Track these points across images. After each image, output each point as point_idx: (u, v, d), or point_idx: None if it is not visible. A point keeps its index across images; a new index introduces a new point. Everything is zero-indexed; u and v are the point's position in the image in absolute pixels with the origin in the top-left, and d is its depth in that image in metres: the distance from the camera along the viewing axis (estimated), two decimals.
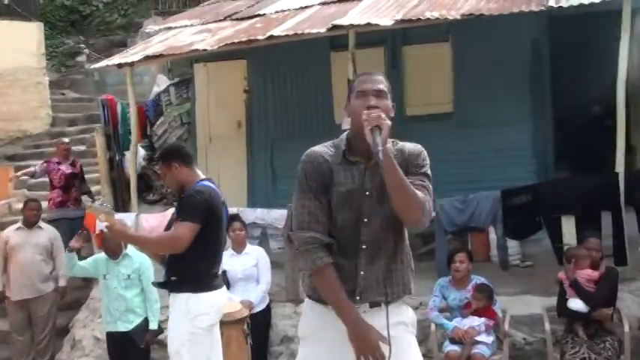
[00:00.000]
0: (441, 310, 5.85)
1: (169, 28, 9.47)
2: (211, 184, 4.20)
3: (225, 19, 9.11)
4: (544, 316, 5.77)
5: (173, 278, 4.11)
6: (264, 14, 8.80)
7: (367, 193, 2.71)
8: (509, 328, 5.71)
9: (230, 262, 6.33)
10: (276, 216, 6.98)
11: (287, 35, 7.23)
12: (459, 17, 6.59)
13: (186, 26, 9.29)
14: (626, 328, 5.43)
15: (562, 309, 5.61)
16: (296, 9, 8.60)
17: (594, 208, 6.20)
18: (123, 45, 15.72)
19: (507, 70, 8.06)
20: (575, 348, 5.30)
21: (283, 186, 9.26)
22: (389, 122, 2.64)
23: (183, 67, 14.16)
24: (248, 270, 6.34)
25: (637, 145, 7.75)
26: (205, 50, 7.52)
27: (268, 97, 9.42)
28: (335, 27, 7.05)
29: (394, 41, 8.71)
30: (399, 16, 6.97)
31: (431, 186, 2.73)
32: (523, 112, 8.06)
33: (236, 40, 7.44)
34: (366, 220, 2.72)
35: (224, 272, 6.34)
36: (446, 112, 8.50)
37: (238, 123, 9.65)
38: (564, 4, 6.34)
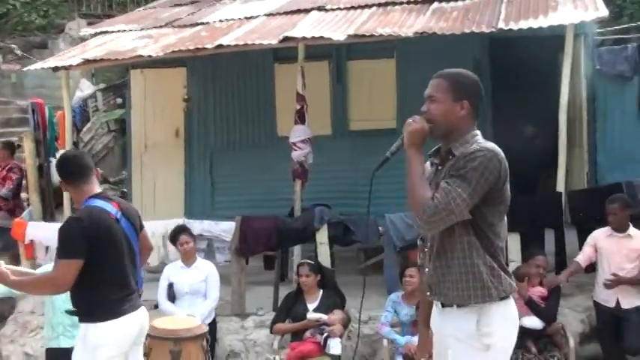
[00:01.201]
0: (393, 326, 5.85)
1: (105, 32, 9.16)
2: (98, 203, 3.78)
3: (165, 25, 8.89)
4: None
5: (74, 308, 3.82)
6: (207, 23, 8.65)
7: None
8: None
9: (178, 274, 6.18)
10: (224, 228, 6.83)
11: (237, 45, 7.11)
12: (411, 35, 6.68)
13: (124, 31, 9.01)
14: (572, 344, 5.62)
15: None
16: (240, 19, 8.50)
17: (538, 226, 6.39)
18: (43, 46, 15.13)
19: None
20: None
21: (222, 197, 9.16)
22: (417, 126, 2.87)
23: (108, 72, 13.76)
24: (196, 284, 6.17)
25: (570, 165, 8.07)
26: (150, 57, 7.30)
27: (209, 107, 9.28)
28: (287, 39, 6.99)
29: (339, 56, 8.78)
30: (350, 31, 7.00)
31: (458, 188, 2.68)
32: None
33: (183, 48, 7.26)
34: None
35: (170, 285, 6.18)
36: (389, 128, 8.59)
37: (176, 132, 9.44)
38: (514, 27, 6.53)
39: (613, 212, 5.60)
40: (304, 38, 6.96)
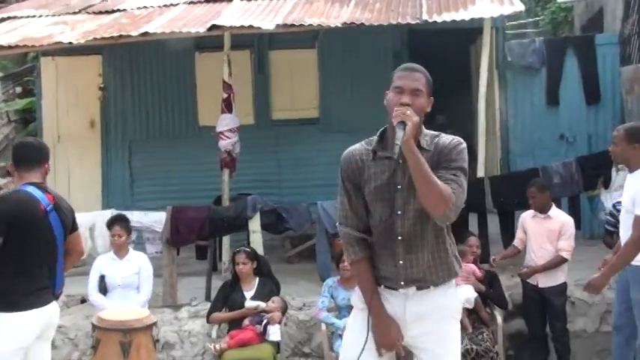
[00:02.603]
0: (329, 310, 5.96)
1: (13, 17, 8.73)
2: (28, 189, 3.71)
3: (79, 11, 8.59)
4: None
5: None
6: (124, 10, 8.43)
7: (399, 187, 2.86)
8: None
9: (110, 267, 6.02)
10: (155, 219, 6.72)
11: (163, 33, 7.00)
12: (339, 25, 6.80)
13: (34, 16, 8.62)
14: (500, 321, 5.93)
15: None
16: (160, 6, 8.34)
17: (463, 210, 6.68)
18: None
19: (370, 79, 8.43)
20: None
21: (142, 188, 8.99)
22: (416, 119, 2.76)
23: (4, 60, 13.07)
24: (128, 277, 6.02)
25: (485, 151, 8.48)
26: (71, 44, 7.05)
27: (126, 96, 9.05)
28: (214, 27, 6.94)
29: (261, 45, 8.79)
30: (277, 21, 7.04)
31: (464, 180, 2.79)
32: (384, 121, 8.47)
33: (106, 35, 7.05)
34: (399, 212, 2.86)
35: (102, 277, 6.02)
36: (312, 117, 8.72)
37: (92, 122, 9.13)
38: (437, 19, 6.78)
39: (532, 195, 5.91)
40: (233, 27, 6.93)
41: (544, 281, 5.86)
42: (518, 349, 6.34)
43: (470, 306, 5.77)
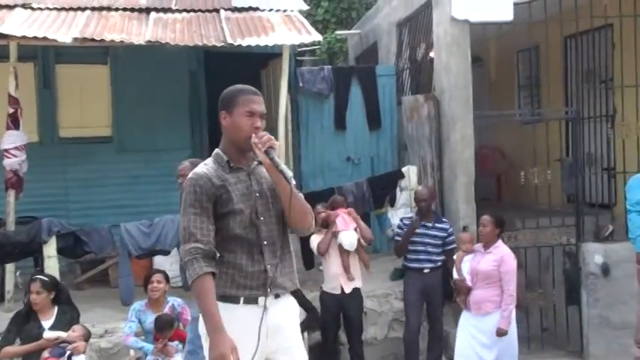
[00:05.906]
0: (136, 335, 5.76)
1: None
2: None
3: None
4: None
5: None
6: None
7: (257, 194, 3.00)
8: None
9: None
10: None
11: None
12: (143, 43, 6.66)
13: None
14: (305, 335, 6.16)
15: None
16: None
17: None
18: None
19: (167, 98, 8.34)
20: None
21: None
22: (276, 141, 2.98)
23: None
24: None
25: None
26: None
27: None
28: (1, 36, 6.41)
29: (46, 58, 8.24)
30: (74, 34, 6.70)
31: None
32: (183, 140, 8.41)
33: None
34: (262, 218, 2.98)
35: None
36: (105, 136, 8.35)
37: None
38: (242, 43, 6.93)
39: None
40: (25, 37, 6.45)
41: (348, 286, 6.18)
42: None
43: (352, 248, 6.15)
